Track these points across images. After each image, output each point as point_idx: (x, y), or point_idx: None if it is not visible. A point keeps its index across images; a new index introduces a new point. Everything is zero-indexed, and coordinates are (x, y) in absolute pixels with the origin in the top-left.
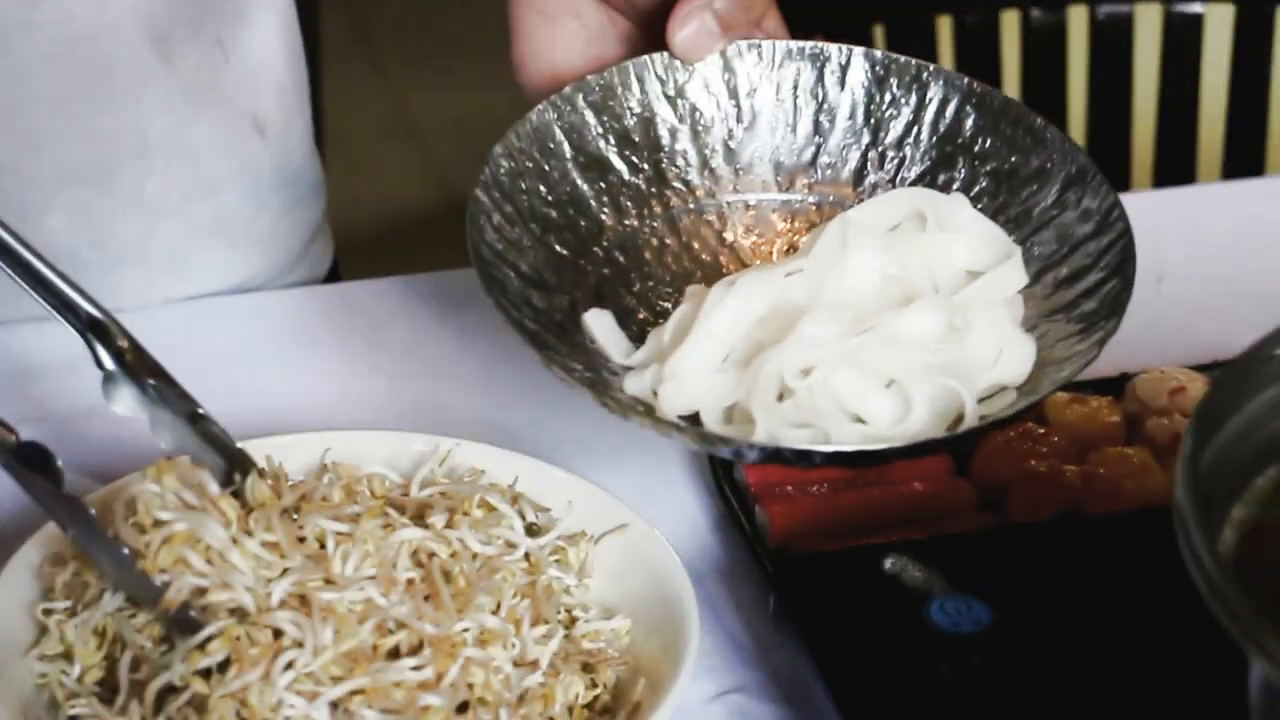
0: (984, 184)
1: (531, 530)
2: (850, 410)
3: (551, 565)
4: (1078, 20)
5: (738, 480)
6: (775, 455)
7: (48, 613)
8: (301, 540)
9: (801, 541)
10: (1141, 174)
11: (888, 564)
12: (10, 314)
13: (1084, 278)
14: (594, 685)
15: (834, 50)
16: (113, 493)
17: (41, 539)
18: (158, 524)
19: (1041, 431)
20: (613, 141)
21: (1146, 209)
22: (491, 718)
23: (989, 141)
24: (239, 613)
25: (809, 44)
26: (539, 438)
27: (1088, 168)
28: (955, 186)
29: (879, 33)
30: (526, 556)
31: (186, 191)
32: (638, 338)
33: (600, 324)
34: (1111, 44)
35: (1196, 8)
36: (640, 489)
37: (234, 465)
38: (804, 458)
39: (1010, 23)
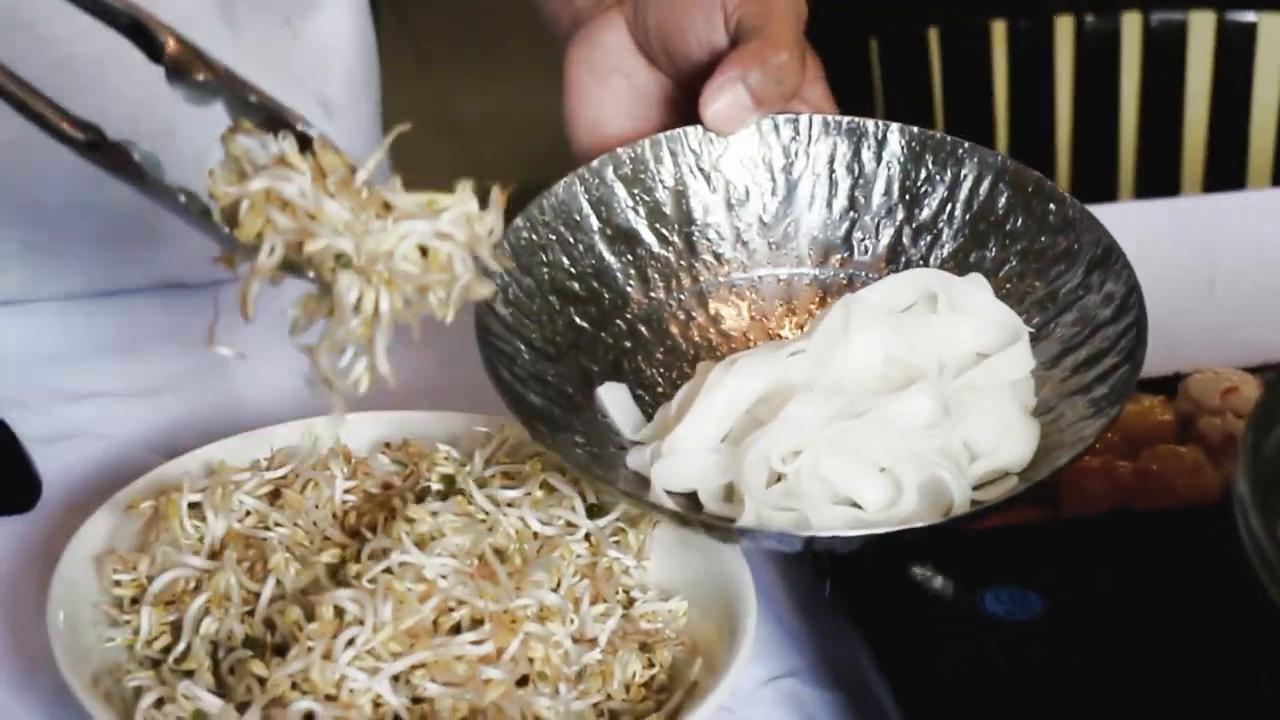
0: (1013, 263)
1: (592, 511)
2: (841, 494)
3: (611, 546)
4: (1131, 27)
5: None
6: (757, 539)
7: (117, 581)
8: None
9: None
10: (1192, 178)
11: (915, 573)
12: None
13: (1100, 362)
14: (651, 665)
15: (870, 125)
16: None
17: (115, 504)
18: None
19: None
20: (643, 214)
21: (1200, 213)
22: (551, 692)
23: (1020, 220)
24: (343, 259)
25: (845, 119)
26: None
27: (1113, 249)
28: (986, 265)
29: (933, 35)
30: (587, 537)
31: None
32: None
33: (613, 398)
34: (1164, 50)
35: (1250, 16)
36: None
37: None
38: (788, 541)
39: (1064, 27)
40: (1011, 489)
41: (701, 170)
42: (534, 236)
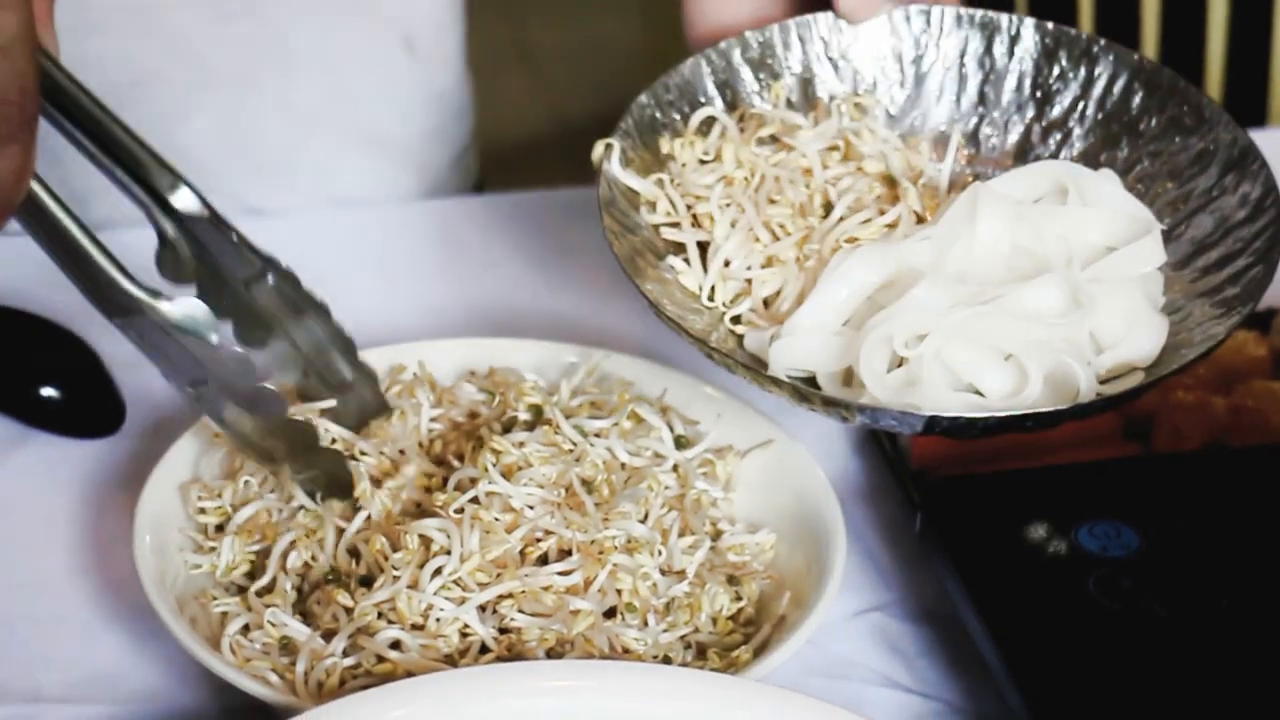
0: (1145, 164)
1: (680, 443)
2: (965, 381)
3: (699, 478)
4: None
5: None
6: (877, 418)
7: (201, 509)
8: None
9: (943, 466)
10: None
11: (1030, 533)
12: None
13: (1232, 263)
14: (739, 598)
15: (1004, 19)
16: None
17: (199, 430)
18: None
19: None
20: (768, 99)
21: None
22: (639, 623)
23: (1154, 121)
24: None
25: (979, 12)
26: (682, 355)
27: (1250, 150)
28: (1118, 166)
29: None
30: (675, 468)
31: (331, 103)
32: None
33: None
34: None
35: None
36: (781, 410)
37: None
38: (908, 421)
39: None
40: (1138, 382)
41: (830, 58)
42: (657, 114)
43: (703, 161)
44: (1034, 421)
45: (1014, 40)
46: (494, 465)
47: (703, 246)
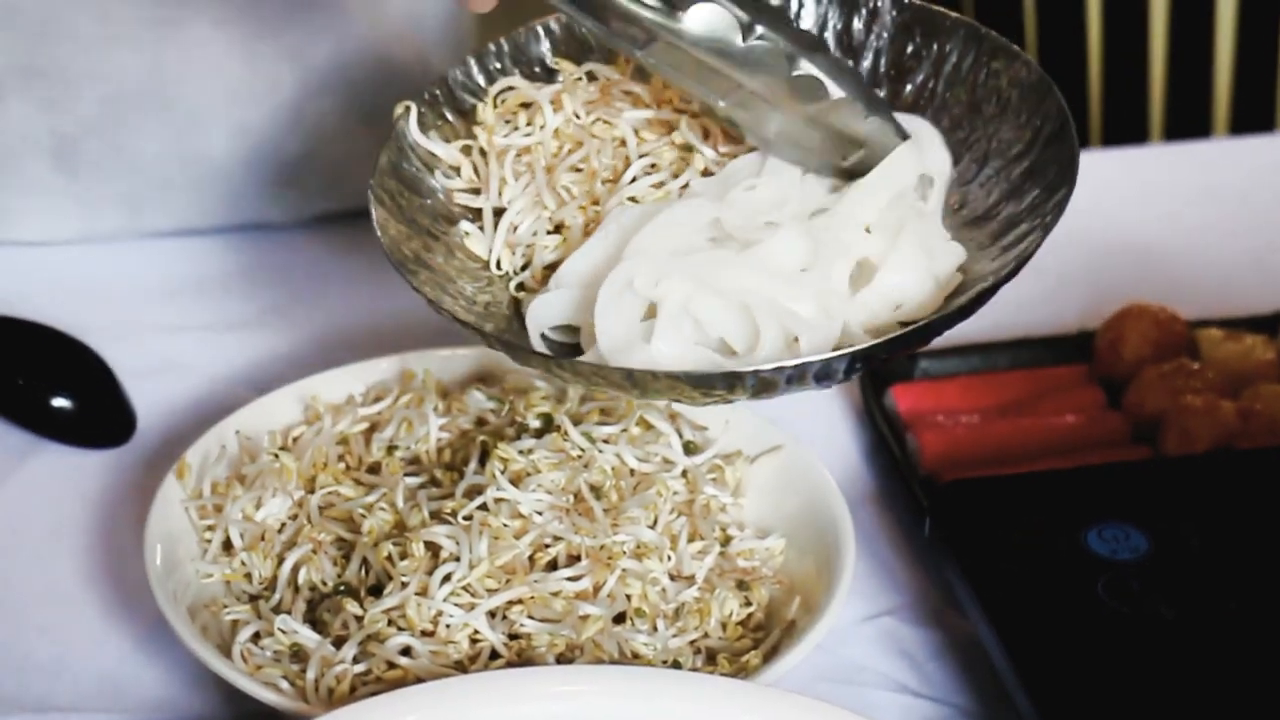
0: (984, 144)
1: (689, 448)
2: (713, 335)
3: (708, 483)
4: None
5: (888, 408)
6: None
7: (218, 509)
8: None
9: (952, 470)
10: None
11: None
12: None
13: (1015, 227)
14: (748, 603)
15: None
16: None
17: (209, 440)
18: None
19: (1195, 367)
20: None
21: None
22: (649, 628)
23: (995, 101)
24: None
25: None
26: None
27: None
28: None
29: None
30: (684, 474)
31: (347, 116)
32: None
33: None
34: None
35: None
36: (790, 415)
37: None
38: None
39: None
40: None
41: None
42: (480, 80)
43: (515, 128)
44: (755, 379)
45: (873, 16)
46: (502, 472)
47: (499, 214)
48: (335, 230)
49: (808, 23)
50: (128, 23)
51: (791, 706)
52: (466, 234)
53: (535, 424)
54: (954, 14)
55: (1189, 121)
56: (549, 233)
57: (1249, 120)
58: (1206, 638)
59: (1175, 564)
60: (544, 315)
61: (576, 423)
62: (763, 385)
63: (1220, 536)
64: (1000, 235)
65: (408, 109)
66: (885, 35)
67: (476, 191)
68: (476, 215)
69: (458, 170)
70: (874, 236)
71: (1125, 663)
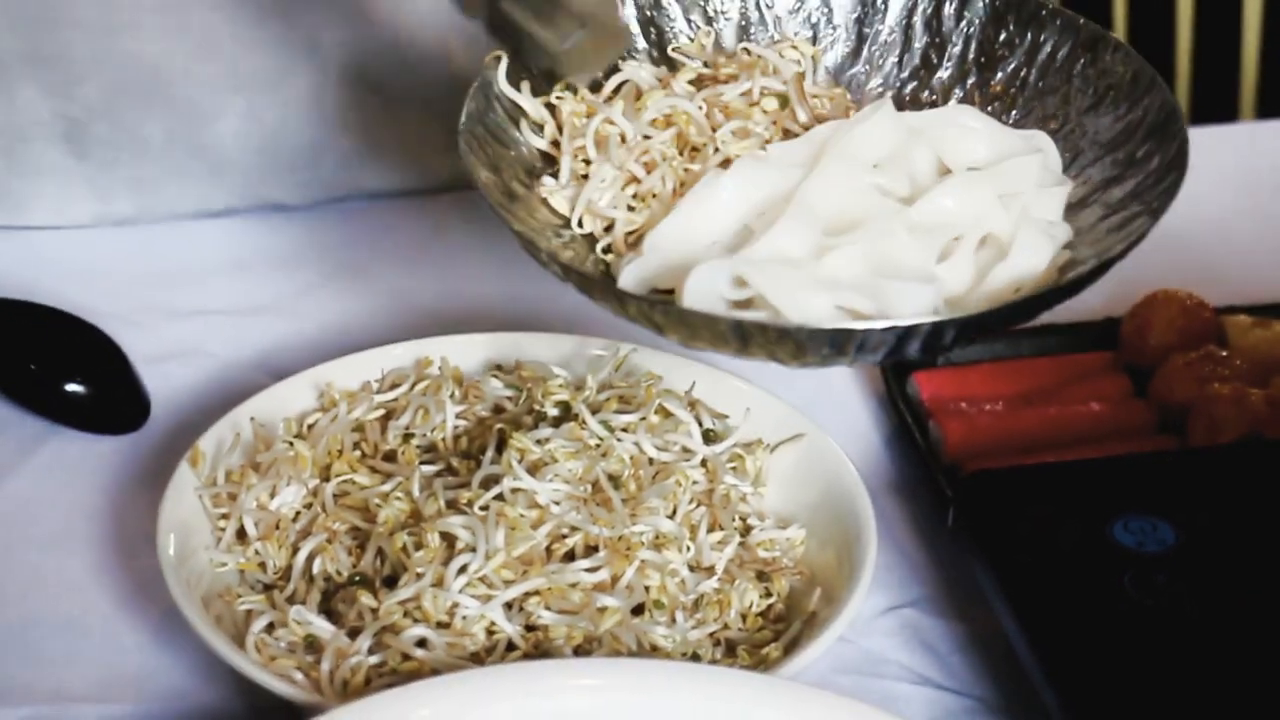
0: (1076, 135)
1: (709, 437)
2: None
3: (728, 473)
4: None
5: (911, 395)
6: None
7: (232, 497)
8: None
9: (975, 459)
10: None
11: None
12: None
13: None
14: (768, 594)
15: None
16: None
17: (223, 427)
18: None
19: (1223, 354)
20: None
21: None
22: (667, 620)
23: (1092, 91)
24: None
25: None
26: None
27: (1175, 113)
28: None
29: None
30: (704, 463)
31: (360, 103)
32: None
33: None
34: None
35: None
36: (811, 402)
37: None
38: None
39: None
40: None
41: (765, 6)
42: None
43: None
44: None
45: (964, 2)
46: (519, 462)
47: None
48: (353, 214)
49: (895, 6)
50: (132, 9)
51: (813, 700)
52: (551, 192)
53: (553, 412)
54: (1050, 3)
55: (1216, 106)
56: (633, 195)
57: (1276, 104)
58: (1234, 632)
59: (1203, 556)
60: (638, 276)
61: (594, 411)
62: (898, 343)
63: (1249, 528)
64: (1104, 219)
65: (497, 59)
66: (977, 22)
67: (557, 149)
68: (557, 171)
69: (541, 128)
70: (1003, 213)
71: (1151, 657)
